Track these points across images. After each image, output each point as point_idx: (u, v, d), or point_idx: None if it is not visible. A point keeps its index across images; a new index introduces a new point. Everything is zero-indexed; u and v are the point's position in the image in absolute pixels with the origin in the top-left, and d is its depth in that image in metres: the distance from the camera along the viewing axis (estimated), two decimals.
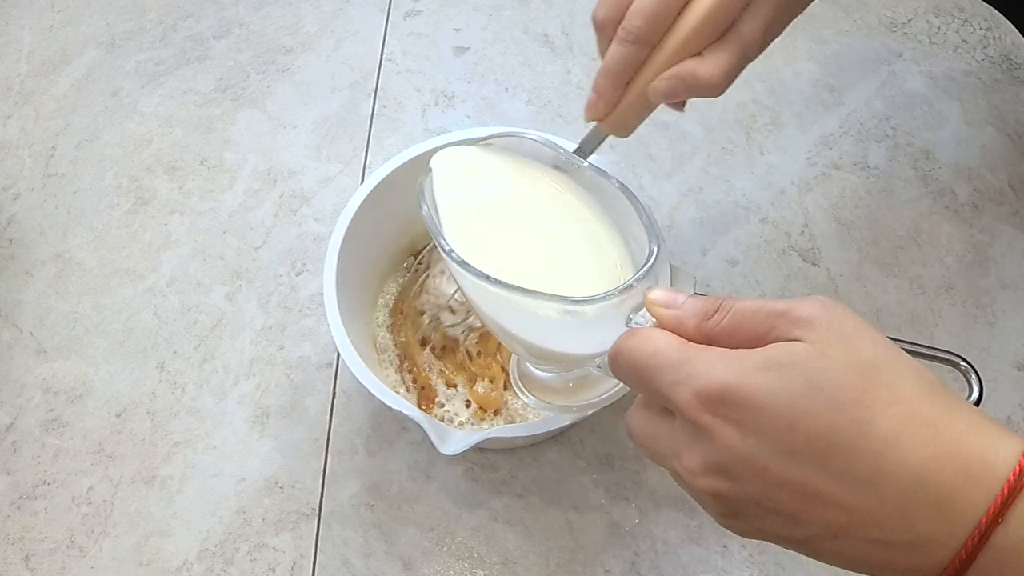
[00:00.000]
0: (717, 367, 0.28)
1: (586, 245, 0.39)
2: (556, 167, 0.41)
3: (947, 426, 0.26)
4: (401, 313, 0.54)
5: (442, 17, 0.74)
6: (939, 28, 0.72)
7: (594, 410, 0.44)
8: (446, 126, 0.67)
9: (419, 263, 0.55)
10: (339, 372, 0.55)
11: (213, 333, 0.57)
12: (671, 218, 0.62)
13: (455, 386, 0.51)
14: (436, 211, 0.38)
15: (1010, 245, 0.61)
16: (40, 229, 0.62)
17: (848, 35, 0.72)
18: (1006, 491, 0.25)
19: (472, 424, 0.50)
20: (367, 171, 0.65)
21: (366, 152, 0.66)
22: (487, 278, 0.34)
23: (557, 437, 0.53)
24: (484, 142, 0.41)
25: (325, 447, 0.53)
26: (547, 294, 0.33)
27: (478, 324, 0.50)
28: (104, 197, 0.64)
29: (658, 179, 0.64)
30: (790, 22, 0.42)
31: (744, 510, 0.29)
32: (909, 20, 0.73)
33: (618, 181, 0.39)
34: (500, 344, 0.51)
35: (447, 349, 0.52)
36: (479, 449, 0.52)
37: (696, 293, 0.34)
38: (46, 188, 0.64)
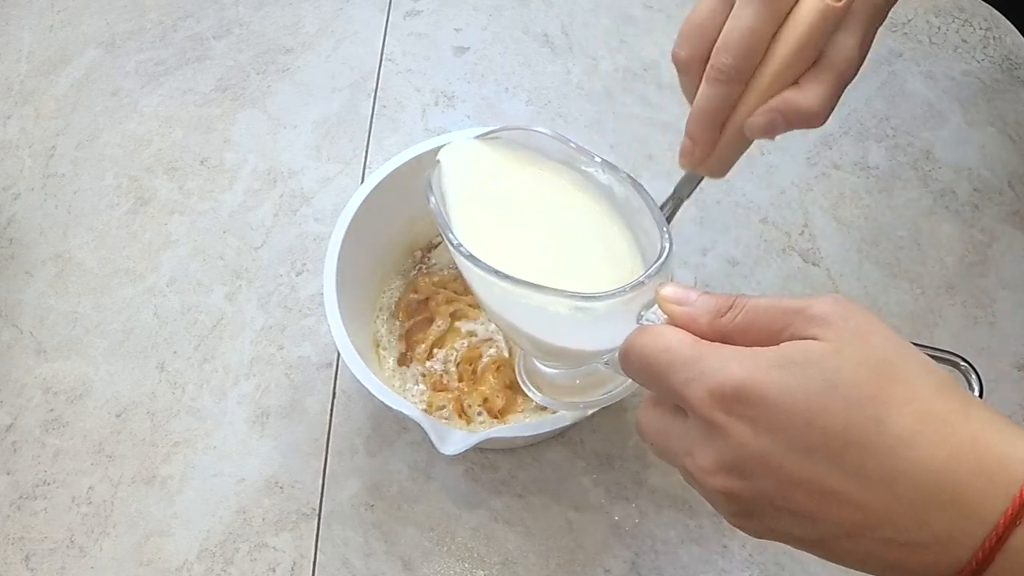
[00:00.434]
0: (731, 364, 0.28)
1: (596, 240, 0.38)
2: (565, 162, 0.40)
3: (963, 425, 0.26)
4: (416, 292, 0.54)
5: (442, 17, 0.74)
6: (939, 28, 0.72)
7: (595, 409, 0.44)
8: (446, 126, 0.67)
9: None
10: (339, 372, 0.55)
11: (213, 333, 0.57)
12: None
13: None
14: (444, 204, 0.38)
15: (1010, 245, 0.61)
16: (40, 229, 0.62)
17: None
18: None
19: (482, 421, 0.50)
20: (367, 171, 0.65)
21: (366, 152, 0.66)
22: (496, 273, 0.33)
23: (557, 437, 0.53)
24: (492, 135, 0.41)
25: (325, 447, 0.53)
26: (557, 290, 0.32)
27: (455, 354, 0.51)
28: (104, 197, 0.64)
29: (658, 179, 0.64)
30: (876, 33, 0.39)
31: (758, 509, 0.28)
32: (909, 20, 0.73)
33: (629, 176, 0.38)
34: (487, 368, 0.51)
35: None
36: (479, 449, 0.52)
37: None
38: (46, 188, 0.64)
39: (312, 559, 0.49)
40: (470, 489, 0.51)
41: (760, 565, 0.49)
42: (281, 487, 0.51)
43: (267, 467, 0.52)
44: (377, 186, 0.50)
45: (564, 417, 0.44)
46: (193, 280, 0.60)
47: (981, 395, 0.39)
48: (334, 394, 0.55)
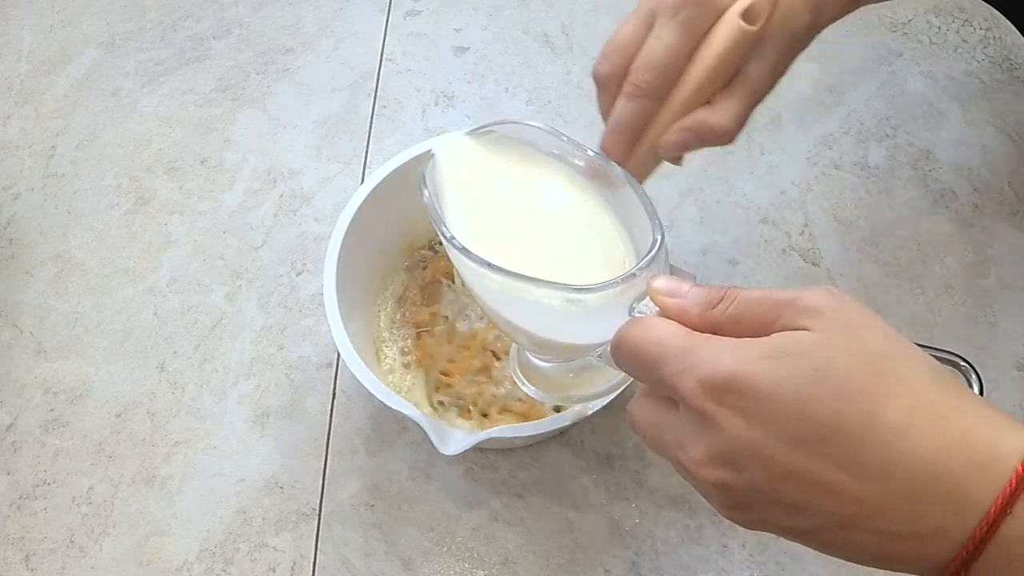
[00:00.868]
0: (722, 356, 0.28)
1: (589, 233, 0.38)
2: (558, 156, 0.40)
3: (956, 417, 0.26)
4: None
5: (442, 17, 0.74)
6: (939, 28, 0.72)
7: (595, 409, 0.44)
8: (446, 126, 0.67)
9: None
10: (339, 372, 0.55)
11: (213, 333, 0.57)
12: (671, 218, 0.62)
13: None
14: (438, 198, 0.38)
15: (1010, 245, 0.61)
16: (40, 229, 0.62)
17: (848, 35, 0.72)
18: (1014, 482, 0.25)
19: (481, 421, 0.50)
20: (367, 171, 0.65)
21: (366, 152, 0.66)
22: (489, 265, 0.34)
23: (557, 437, 0.53)
24: (486, 129, 0.41)
25: (325, 447, 0.53)
26: (549, 282, 0.33)
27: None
28: (104, 197, 0.64)
29: (658, 179, 0.64)
30: (794, 60, 0.41)
31: (749, 501, 0.28)
32: (909, 20, 0.73)
33: (622, 170, 0.38)
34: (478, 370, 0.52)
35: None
36: (479, 449, 0.52)
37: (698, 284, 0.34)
38: (46, 188, 0.64)
39: (312, 559, 0.49)
40: (470, 489, 0.51)
41: (760, 565, 0.49)
42: (281, 487, 0.51)
43: (267, 467, 0.52)
44: (377, 186, 0.50)
45: (564, 417, 0.44)
46: (193, 280, 0.60)
47: (981, 395, 0.39)
48: (334, 394, 0.55)
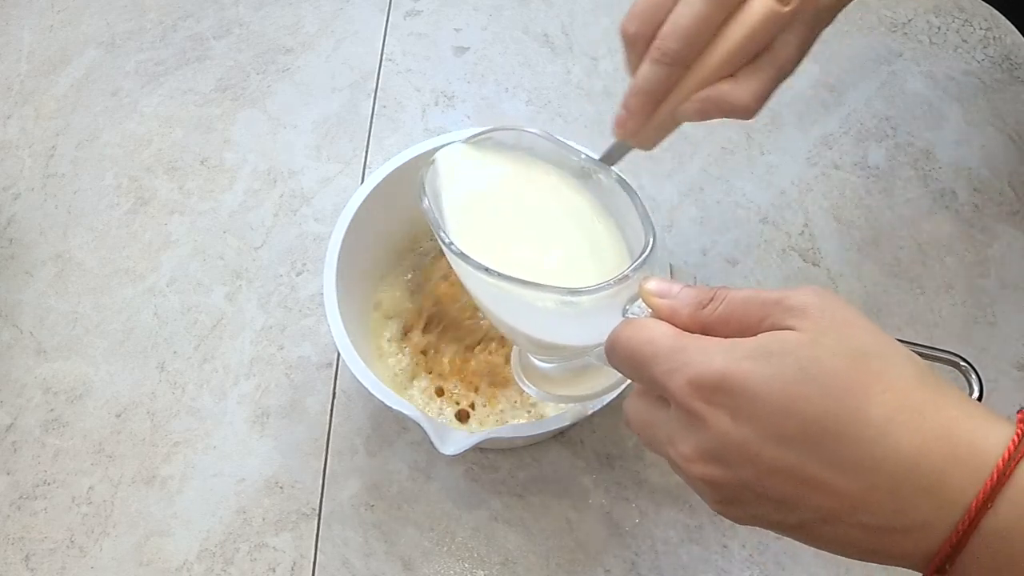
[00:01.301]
0: (711, 355, 0.28)
1: (584, 237, 0.39)
2: (554, 161, 0.41)
3: (936, 412, 0.26)
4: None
5: (442, 17, 0.74)
6: (939, 28, 0.72)
7: (594, 409, 0.44)
8: (446, 126, 0.67)
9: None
10: (339, 372, 0.55)
11: (213, 333, 0.57)
12: (671, 218, 0.62)
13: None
14: (437, 204, 0.39)
15: (1010, 245, 0.61)
16: (40, 229, 0.62)
17: (848, 35, 0.72)
18: (995, 476, 0.25)
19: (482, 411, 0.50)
20: (367, 171, 0.65)
21: (366, 152, 0.66)
22: (486, 270, 0.35)
23: (557, 437, 0.53)
24: (484, 136, 0.42)
25: (325, 447, 0.53)
26: (544, 285, 0.34)
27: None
28: (104, 197, 0.64)
29: (658, 179, 0.64)
30: (817, 38, 0.41)
31: (737, 496, 0.29)
32: (909, 20, 0.73)
33: (616, 174, 0.40)
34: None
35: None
36: (479, 449, 0.52)
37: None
38: (46, 188, 0.64)
39: (312, 559, 0.49)
40: (470, 489, 0.51)
41: (760, 565, 0.49)
42: (281, 487, 0.51)
43: (267, 467, 0.52)
44: (377, 186, 0.50)
45: (564, 417, 0.44)
46: (193, 280, 0.60)
47: (981, 395, 0.39)
48: (334, 394, 0.55)
